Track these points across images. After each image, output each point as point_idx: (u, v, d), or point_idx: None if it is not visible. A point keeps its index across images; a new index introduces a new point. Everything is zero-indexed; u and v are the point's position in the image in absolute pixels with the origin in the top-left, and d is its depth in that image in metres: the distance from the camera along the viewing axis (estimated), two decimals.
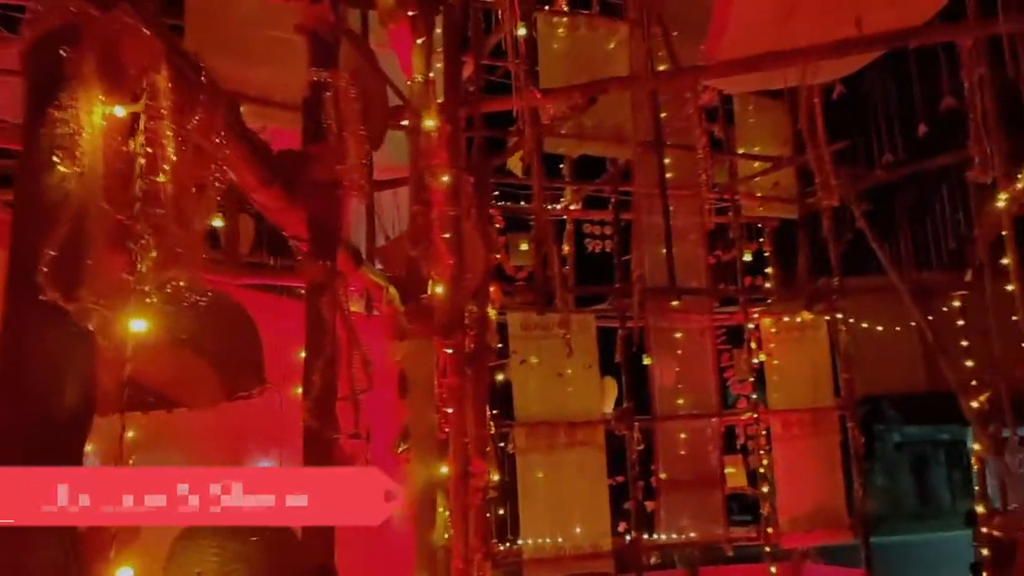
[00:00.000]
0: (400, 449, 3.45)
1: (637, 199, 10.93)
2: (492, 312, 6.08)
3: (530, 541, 9.87)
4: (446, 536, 4.27)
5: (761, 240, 12.65)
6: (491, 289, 6.14)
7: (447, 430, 4.05)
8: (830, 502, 11.01)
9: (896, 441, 28.72)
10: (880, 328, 11.28)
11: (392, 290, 3.28)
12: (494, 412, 9.30)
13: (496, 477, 5.92)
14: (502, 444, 9.37)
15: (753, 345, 11.19)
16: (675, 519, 10.56)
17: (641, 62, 10.31)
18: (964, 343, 10.01)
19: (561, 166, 11.83)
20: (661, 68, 10.75)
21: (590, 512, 9.99)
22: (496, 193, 10.88)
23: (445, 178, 3.68)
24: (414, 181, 3.67)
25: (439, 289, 3.61)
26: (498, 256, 6.98)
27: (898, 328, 11.81)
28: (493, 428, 9.29)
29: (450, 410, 3.90)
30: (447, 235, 4.03)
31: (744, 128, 11.80)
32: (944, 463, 30.55)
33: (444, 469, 3.82)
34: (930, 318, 10.50)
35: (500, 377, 9.55)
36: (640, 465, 10.50)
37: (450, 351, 4.50)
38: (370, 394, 2.67)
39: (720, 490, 10.82)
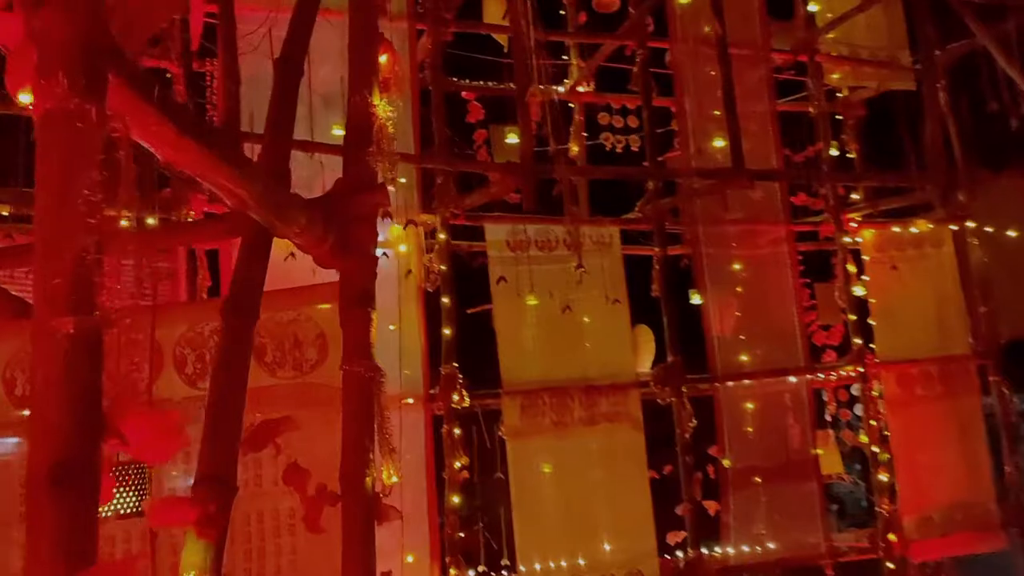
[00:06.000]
0: None
1: (677, 60, 7.54)
2: (383, 109, 2.71)
3: (537, 566, 6.52)
4: None
5: (843, 136, 9.18)
6: (378, 58, 2.76)
7: None
8: (974, 492, 7.58)
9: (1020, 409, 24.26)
10: None
11: None
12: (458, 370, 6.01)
13: (393, 478, 2.55)
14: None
15: (851, 268, 7.73)
16: (750, 525, 7.23)
17: None
18: None
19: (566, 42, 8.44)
20: None
21: (623, 521, 6.74)
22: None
23: None
24: None
25: None
26: None
27: None
28: (465, 397, 6.00)
29: None
30: None
31: None
32: None
33: None
34: None
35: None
36: (695, 449, 7.07)
37: None
38: None
39: (814, 481, 7.47)
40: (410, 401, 5.90)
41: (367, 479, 2.47)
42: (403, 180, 5.97)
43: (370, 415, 2.51)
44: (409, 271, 5.87)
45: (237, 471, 2.02)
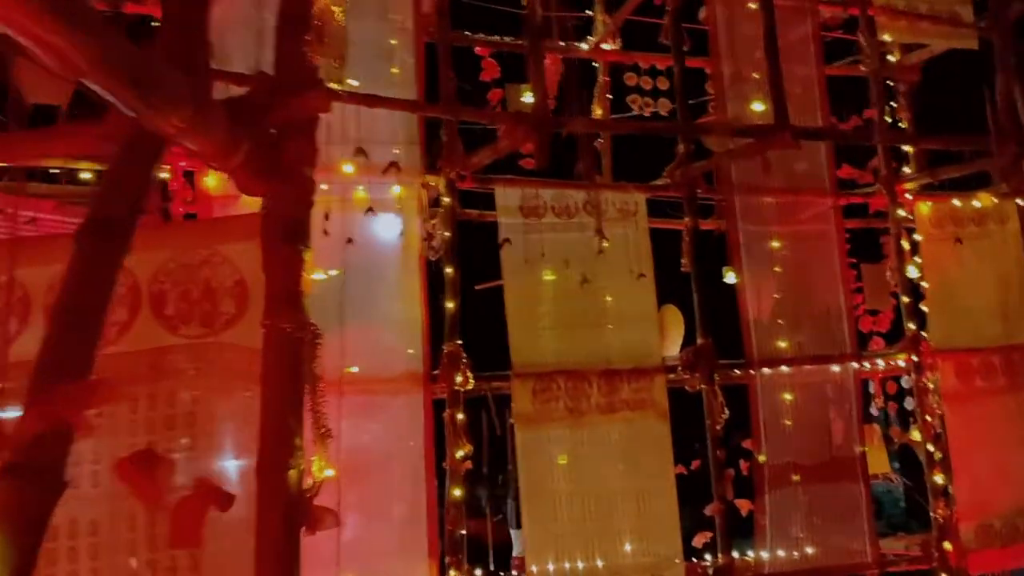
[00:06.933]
0: None
1: (713, 15, 6.84)
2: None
3: (550, 566, 5.91)
4: None
5: (895, 104, 8.40)
6: None
7: None
8: None
9: None
10: None
11: None
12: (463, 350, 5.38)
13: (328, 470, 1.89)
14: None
15: (906, 245, 6.98)
16: (787, 528, 6.56)
17: None
18: None
19: None
20: None
21: (646, 520, 6.09)
22: None
23: None
24: None
25: None
26: None
27: None
28: (470, 378, 5.37)
29: None
30: None
31: None
32: None
33: None
34: None
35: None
36: (727, 442, 6.40)
37: None
38: None
39: (859, 481, 6.75)
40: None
41: (291, 472, 1.83)
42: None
43: (298, 387, 1.87)
44: (401, 232, 5.23)
45: (67, 460, 1.39)
